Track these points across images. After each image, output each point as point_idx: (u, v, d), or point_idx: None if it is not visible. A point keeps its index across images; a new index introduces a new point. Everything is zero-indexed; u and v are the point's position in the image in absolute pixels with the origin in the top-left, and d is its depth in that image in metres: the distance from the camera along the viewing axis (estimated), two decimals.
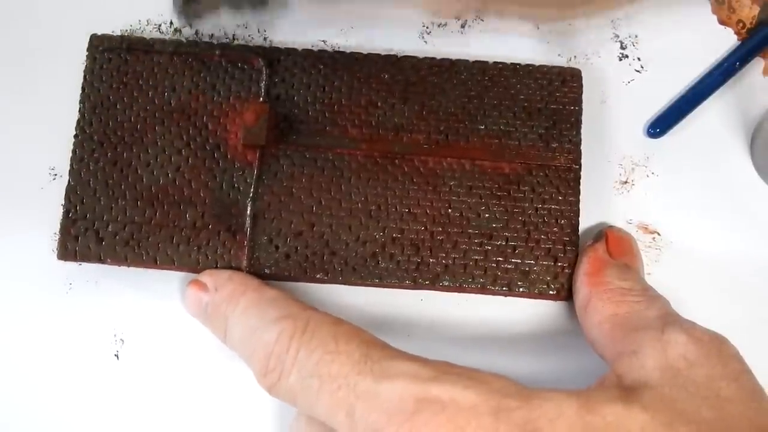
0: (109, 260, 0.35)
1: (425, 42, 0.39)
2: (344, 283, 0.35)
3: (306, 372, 0.29)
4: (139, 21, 0.39)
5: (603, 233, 0.35)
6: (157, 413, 0.35)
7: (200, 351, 0.36)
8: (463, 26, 0.39)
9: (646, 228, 0.37)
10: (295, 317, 0.30)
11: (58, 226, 0.35)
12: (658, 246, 0.37)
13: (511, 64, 0.37)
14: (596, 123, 0.38)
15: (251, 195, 0.35)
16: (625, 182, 0.38)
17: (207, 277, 0.34)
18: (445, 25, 0.39)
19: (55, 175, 0.37)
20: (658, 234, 0.37)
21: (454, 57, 0.37)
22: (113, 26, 0.39)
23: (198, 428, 0.35)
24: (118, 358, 0.36)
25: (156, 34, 0.39)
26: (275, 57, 0.37)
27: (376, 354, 0.28)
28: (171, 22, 0.39)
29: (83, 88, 0.36)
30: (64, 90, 0.38)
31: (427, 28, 0.39)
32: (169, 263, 0.35)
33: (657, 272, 0.37)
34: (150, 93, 0.36)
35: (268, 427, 0.35)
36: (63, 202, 0.35)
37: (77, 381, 0.36)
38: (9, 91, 0.38)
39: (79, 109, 0.36)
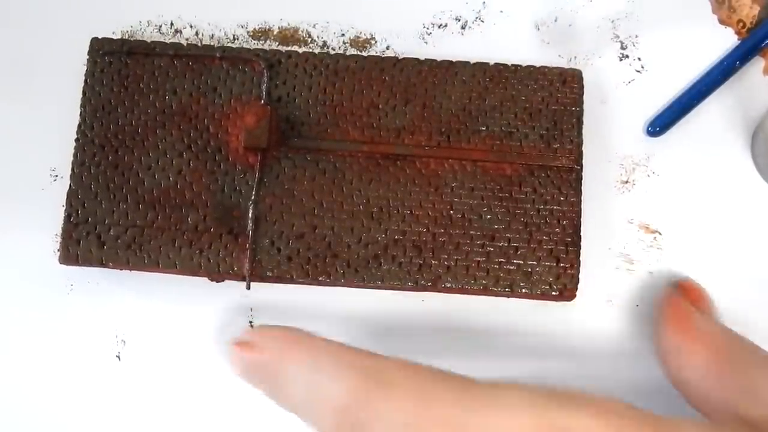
0: (110, 264, 0.35)
1: (425, 43, 0.39)
2: (346, 286, 0.35)
3: (394, 424, 0.25)
4: (140, 22, 0.39)
5: (677, 284, 0.36)
6: (158, 414, 0.36)
7: (201, 353, 0.36)
8: (463, 27, 0.39)
9: (647, 228, 0.37)
10: (365, 369, 0.27)
11: (59, 229, 0.35)
12: (659, 246, 0.37)
13: (512, 65, 0.37)
14: (597, 123, 0.38)
15: (253, 197, 0.35)
16: (626, 182, 0.38)
17: (251, 335, 0.30)
18: (446, 26, 0.39)
19: (56, 176, 0.37)
20: (659, 234, 0.37)
21: (454, 59, 0.37)
22: (114, 28, 0.39)
23: (198, 429, 0.36)
24: (119, 359, 0.36)
25: (156, 35, 0.39)
26: (276, 59, 0.37)
27: (474, 388, 0.26)
28: (171, 23, 0.39)
29: (84, 92, 0.36)
30: (65, 92, 0.38)
31: (428, 29, 0.39)
32: (171, 267, 0.35)
33: (659, 272, 0.37)
34: (151, 96, 0.36)
35: (269, 427, 0.35)
36: (64, 206, 0.35)
37: (79, 382, 0.36)
38: (10, 92, 0.38)
39: (80, 112, 0.36)
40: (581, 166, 0.36)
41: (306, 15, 0.39)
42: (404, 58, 0.37)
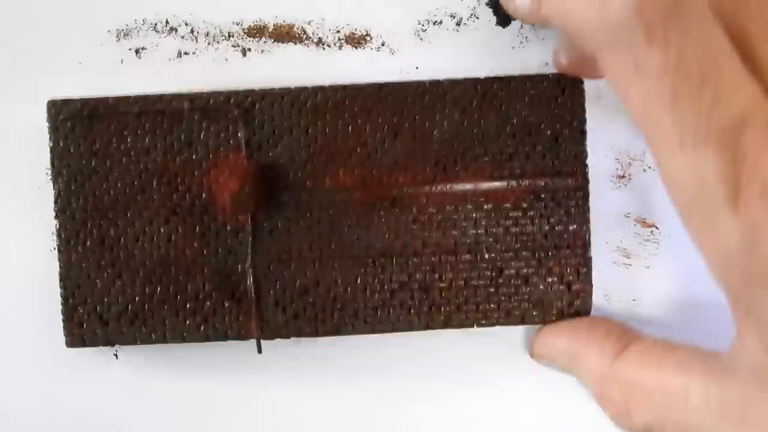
0: (118, 343, 0.34)
1: (421, 39, 0.37)
2: (356, 334, 0.35)
3: None
4: (135, 20, 0.37)
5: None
6: (158, 414, 0.37)
7: (201, 352, 0.37)
8: (458, 24, 0.36)
9: (644, 221, 0.37)
10: None
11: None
12: (656, 239, 0.37)
13: (506, 77, 0.34)
14: (592, 118, 0.36)
15: (249, 260, 0.34)
16: (623, 176, 0.37)
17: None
18: (441, 22, 0.36)
19: None
20: (656, 227, 0.37)
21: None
22: (108, 26, 0.36)
23: (198, 429, 0.37)
24: (117, 357, 0.37)
25: (152, 34, 0.36)
26: (250, 103, 0.34)
27: None
28: (166, 21, 0.36)
29: (52, 163, 0.34)
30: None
31: (423, 26, 0.36)
32: (178, 339, 0.34)
33: (655, 265, 0.37)
34: (123, 160, 0.34)
35: (267, 427, 0.37)
36: (59, 290, 0.34)
37: (78, 382, 0.37)
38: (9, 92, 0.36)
39: (53, 187, 0.34)
40: (588, 181, 0.35)
41: (301, 12, 0.37)
42: (387, 84, 0.34)
